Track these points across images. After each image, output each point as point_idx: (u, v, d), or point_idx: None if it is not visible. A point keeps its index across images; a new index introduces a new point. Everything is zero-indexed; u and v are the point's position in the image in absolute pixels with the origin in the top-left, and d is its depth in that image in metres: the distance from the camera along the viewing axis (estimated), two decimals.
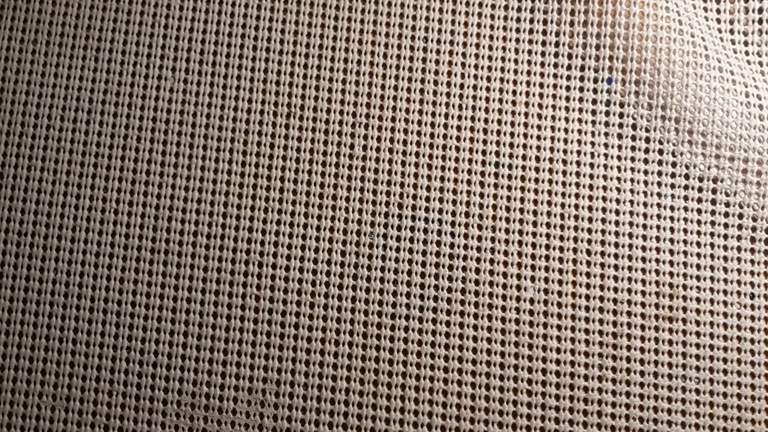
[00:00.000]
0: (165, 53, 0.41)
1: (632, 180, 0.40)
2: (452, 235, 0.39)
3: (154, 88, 0.41)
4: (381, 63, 0.41)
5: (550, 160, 0.40)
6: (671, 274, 0.39)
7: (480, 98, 0.41)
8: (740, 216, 0.39)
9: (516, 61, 0.41)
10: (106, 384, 0.38)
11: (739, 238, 0.39)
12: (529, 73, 0.41)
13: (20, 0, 0.42)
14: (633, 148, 0.40)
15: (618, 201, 0.40)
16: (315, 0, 0.42)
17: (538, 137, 0.40)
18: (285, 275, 0.39)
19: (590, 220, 0.39)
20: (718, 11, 0.42)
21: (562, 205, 0.40)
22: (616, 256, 0.39)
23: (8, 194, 0.40)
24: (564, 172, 0.40)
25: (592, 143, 0.40)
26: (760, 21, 0.41)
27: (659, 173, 0.40)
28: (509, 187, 0.40)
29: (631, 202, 0.40)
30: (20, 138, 0.41)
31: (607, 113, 0.40)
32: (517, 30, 0.41)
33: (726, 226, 0.39)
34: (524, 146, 0.40)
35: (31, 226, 0.40)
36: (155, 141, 0.40)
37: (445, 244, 0.39)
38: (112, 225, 0.40)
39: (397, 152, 0.40)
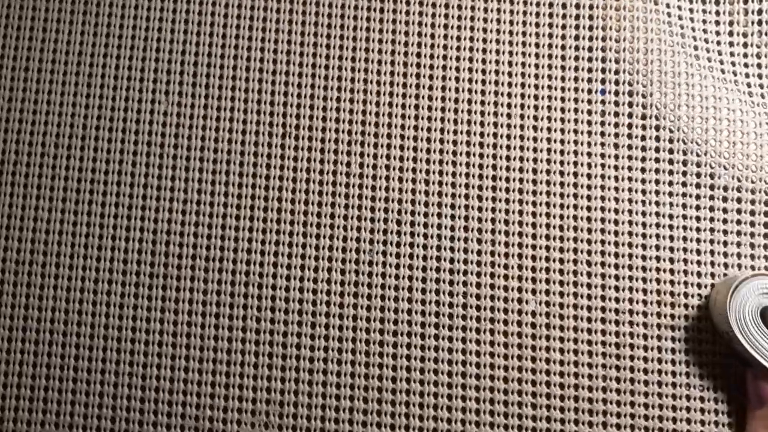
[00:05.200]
0: (158, 77, 0.44)
1: (630, 189, 0.42)
2: (452, 249, 0.42)
3: (148, 111, 0.43)
4: (375, 80, 0.43)
5: (548, 172, 0.42)
6: (672, 282, 0.41)
7: (475, 112, 0.43)
8: (738, 222, 0.41)
9: (510, 74, 0.43)
10: (108, 410, 0.40)
11: (739, 244, 0.41)
12: (523, 85, 0.43)
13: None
14: (630, 158, 0.42)
15: (617, 211, 0.42)
16: (306, 19, 0.44)
17: (535, 149, 0.42)
18: (285, 296, 0.41)
19: (590, 231, 0.42)
20: (718, 13, 0.44)
21: (561, 217, 0.42)
22: (616, 266, 0.41)
23: (4, 223, 0.42)
24: (561, 184, 0.42)
25: (589, 154, 0.42)
26: (760, 22, 0.44)
27: (657, 182, 0.42)
28: (507, 200, 0.42)
29: (630, 211, 0.42)
30: (14, 166, 0.43)
31: (603, 123, 0.43)
32: (510, 43, 0.44)
33: (725, 232, 0.41)
34: (521, 159, 0.42)
35: (28, 255, 0.42)
36: (150, 165, 0.43)
37: (445, 260, 0.42)
38: (110, 251, 0.42)
39: (393, 168, 0.42)
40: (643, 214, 0.42)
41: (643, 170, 0.42)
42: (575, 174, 0.42)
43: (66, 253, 0.42)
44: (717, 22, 0.44)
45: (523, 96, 0.43)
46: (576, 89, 0.43)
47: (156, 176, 0.43)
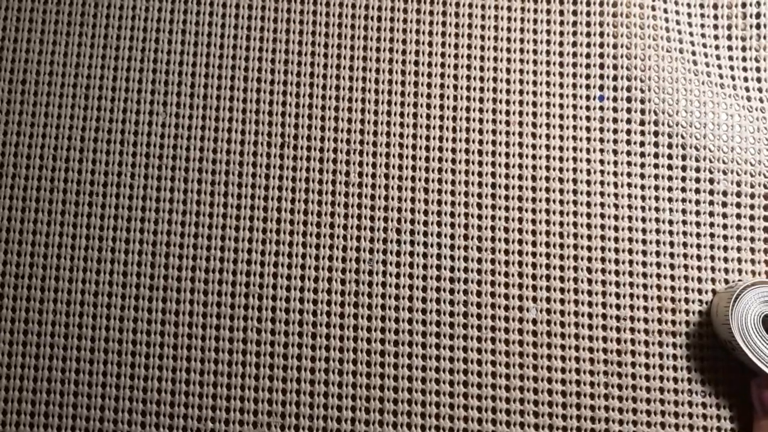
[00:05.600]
0: (156, 88, 0.44)
1: (629, 195, 0.42)
2: (452, 258, 0.42)
3: (146, 123, 0.43)
4: (373, 88, 0.43)
5: (547, 179, 0.42)
6: (673, 288, 0.41)
7: (473, 119, 0.43)
8: (738, 227, 0.42)
9: (508, 81, 0.43)
10: (110, 424, 0.40)
11: (739, 249, 0.41)
12: (521, 92, 0.43)
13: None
14: (629, 164, 0.42)
15: (616, 217, 0.42)
16: (304, 29, 0.44)
17: (534, 156, 0.43)
18: (285, 306, 0.41)
19: (590, 237, 0.42)
20: (716, 17, 0.44)
21: (561, 224, 0.42)
22: (617, 272, 0.41)
23: (2, 237, 0.42)
24: (561, 191, 0.42)
25: (588, 160, 0.42)
26: (758, 26, 0.44)
27: (656, 187, 0.42)
28: (507, 208, 0.42)
29: (630, 217, 0.42)
30: (13, 180, 0.43)
31: (601, 130, 0.43)
32: (508, 50, 0.44)
33: (725, 237, 0.42)
34: (520, 166, 0.43)
35: (27, 268, 0.42)
36: (149, 177, 0.43)
37: (445, 268, 0.42)
38: (110, 263, 0.42)
39: (393, 177, 0.43)
40: (643, 220, 0.42)
41: (642, 176, 0.42)
42: (574, 180, 0.42)
43: (65, 266, 0.42)
44: (715, 26, 0.44)
45: (521, 103, 0.43)
46: (574, 95, 0.43)
47: (155, 188, 0.43)
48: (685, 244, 0.42)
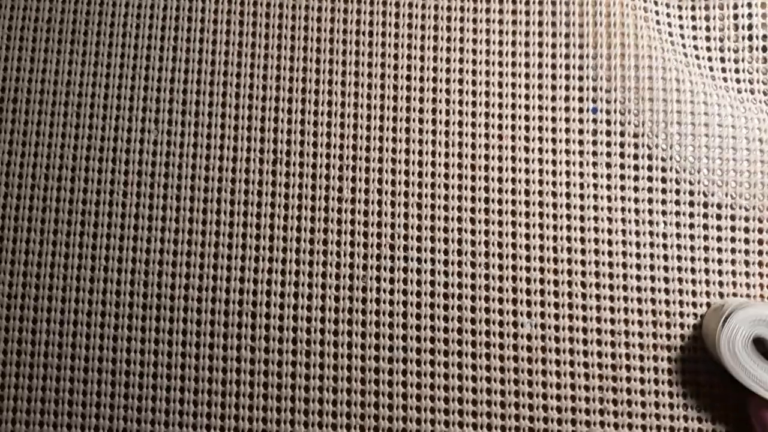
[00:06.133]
0: (147, 105, 0.43)
1: (623, 209, 0.42)
2: (446, 274, 0.42)
3: (138, 141, 0.43)
4: (365, 104, 0.43)
5: (540, 193, 0.42)
6: (667, 301, 0.41)
7: (466, 134, 0.43)
8: (733, 239, 0.41)
9: (500, 95, 0.43)
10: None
11: (734, 262, 0.41)
12: (514, 106, 0.43)
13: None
14: (622, 176, 0.42)
15: (610, 231, 0.42)
16: (295, 44, 0.44)
17: (527, 170, 0.42)
18: (279, 324, 0.41)
19: (583, 251, 0.42)
20: (708, 29, 0.44)
21: (555, 238, 0.42)
22: (611, 287, 0.41)
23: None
24: (554, 205, 0.42)
25: (581, 173, 0.42)
26: (750, 38, 0.44)
27: (650, 200, 0.42)
28: (501, 223, 0.42)
29: (623, 231, 0.42)
30: (5, 199, 0.43)
31: (594, 142, 0.43)
32: (500, 63, 0.43)
33: (720, 250, 0.41)
34: (513, 180, 0.42)
35: (20, 288, 0.42)
36: (141, 195, 0.43)
37: (438, 284, 0.41)
38: (103, 283, 0.42)
39: (386, 193, 0.42)
40: (637, 233, 0.42)
41: (636, 188, 0.42)
42: (568, 195, 0.42)
43: (58, 285, 0.42)
44: (707, 38, 0.44)
45: (514, 117, 0.43)
46: (567, 108, 0.43)
47: (147, 206, 0.43)
48: (679, 257, 0.42)
